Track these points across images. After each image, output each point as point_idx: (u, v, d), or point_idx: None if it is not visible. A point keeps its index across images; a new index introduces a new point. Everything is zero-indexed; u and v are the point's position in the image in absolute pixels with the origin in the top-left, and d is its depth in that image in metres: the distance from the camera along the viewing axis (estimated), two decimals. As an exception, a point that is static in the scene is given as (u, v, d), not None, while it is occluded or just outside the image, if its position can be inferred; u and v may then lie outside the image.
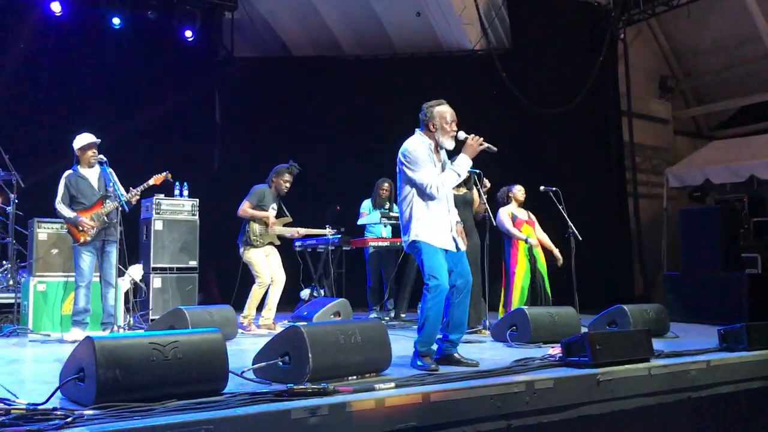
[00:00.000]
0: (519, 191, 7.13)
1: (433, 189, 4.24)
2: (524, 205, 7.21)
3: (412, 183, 4.33)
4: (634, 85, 12.14)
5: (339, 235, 7.68)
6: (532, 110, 10.59)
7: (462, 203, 6.49)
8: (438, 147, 4.42)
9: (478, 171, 6.39)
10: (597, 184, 11.07)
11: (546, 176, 7.25)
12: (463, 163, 4.34)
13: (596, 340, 4.08)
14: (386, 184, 8.12)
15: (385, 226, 8.03)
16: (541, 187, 7.00)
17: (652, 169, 13.25)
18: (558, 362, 4.20)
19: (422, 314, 4.27)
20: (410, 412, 3.20)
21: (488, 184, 6.73)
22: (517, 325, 5.56)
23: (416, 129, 4.49)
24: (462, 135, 4.38)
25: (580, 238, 6.76)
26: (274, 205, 6.91)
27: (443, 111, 4.38)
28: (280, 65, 11.98)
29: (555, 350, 4.40)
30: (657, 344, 4.65)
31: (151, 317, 7.23)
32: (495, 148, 4.37)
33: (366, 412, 3.09)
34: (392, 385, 3.40)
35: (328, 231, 7.49)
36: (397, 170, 4.45)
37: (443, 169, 4.40)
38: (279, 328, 6.77)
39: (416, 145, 4.36)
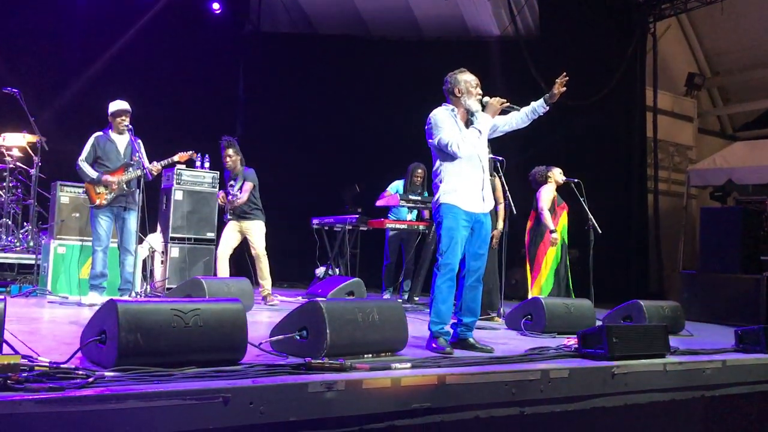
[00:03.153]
0: (559, 173, 6.93)
1: (454, 146, 4.25)
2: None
3: (437, 148, 4.37)
4: (660, 80, 12.02)
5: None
6: (557, 100, 10.49)
7: None
8: (465, 112, 4.43)
9: (501, 158, 6.36)
10: (618, 178, 11.01)
11: (568, 167, 7.20)
12: (484, 121, 4.39)
13: (613, 333, 4.07)
14: (420, 170, 8.03)
15: (411, 211, 8.01)
16: (563, 178, 6.96)
17: (674, 167, 13.14)
18: (573, 353, 4.18)
19: (432, 293, 4.36)
20: (425, 393, 3.21)
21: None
22: (532, 314, 5.54)
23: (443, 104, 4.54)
24: (486, 99, 4.44)
25: (600, 231, 6.73)
26: (232, 182, 7.09)
27: (467, 77, 4.46)
28: (306, 42, 11.95)
29: (571, 341, 4.40)
30: (671, 341, 4.62)
31: (167, 286, 7.30)
32: (517, 107, 4.43)
33: (382, 390, 3.09)
34: (408, 365, 3.40)
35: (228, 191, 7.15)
36: (429, 146, 4.48)
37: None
38: (271, 298, 6.87)
39: (437, 111, 4.43)
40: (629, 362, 4.02)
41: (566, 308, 5.62)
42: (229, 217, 7.05)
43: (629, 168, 11.23)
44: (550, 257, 6.73)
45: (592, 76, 10.83)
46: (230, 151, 7.02)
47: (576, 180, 6.90)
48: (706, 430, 4.34)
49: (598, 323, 5.33)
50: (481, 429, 3.37)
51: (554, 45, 10.92)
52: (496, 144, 6.61)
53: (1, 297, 2.97)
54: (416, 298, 7.94)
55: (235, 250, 7.08)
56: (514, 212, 6.54)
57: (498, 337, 5.28)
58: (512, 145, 4.51)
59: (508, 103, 4.41)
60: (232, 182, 7.07)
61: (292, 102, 11.07)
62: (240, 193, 6.90)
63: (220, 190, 7.17)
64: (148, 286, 6.92)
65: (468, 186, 4.35)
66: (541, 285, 6.70)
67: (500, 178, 6.48)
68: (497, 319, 6.43)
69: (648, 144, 11.75)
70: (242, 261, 7.38)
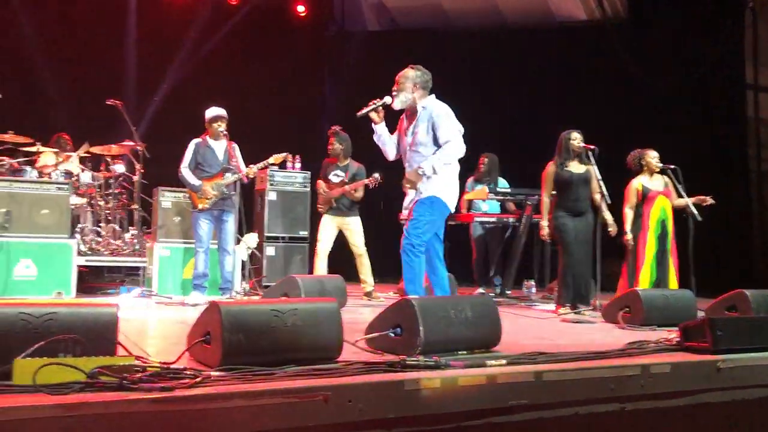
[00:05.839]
0: (653, 159, 6.70)
1: None
2: None
3: None
4: (761, 56, 11.38)
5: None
6: (649, 84, 10.16)
7: (583, 182, 6.34)
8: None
9: (593, 147, 6.23)
10: (717, 161, 10.50)
11: (663, 153, 6.94)
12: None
13: (717, 325, 3.90)
14: (482, 157, 8.09)
15: (485, 201, 7.95)
16: (660, 165, 6.73)
17: (778, 146, 12.43)
18: (675, 346, 4.04)
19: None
20: (522, 390, 3.19)
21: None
22: (630, 306, 5.39)
23: None
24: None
25: (700, 219, 6.49)
26: (338, 172, 7.18)
27: None
28: (389, 39, 11.97)
29: (672, 334, 4.26)
30: (782, 333, 4.41)
31: (264, 284, 7.53)
32: (378, 102, 4.76)
33: (477, 388, 3.10)
34: (503, 361, 3.39)
35: (371, 180, 7.27)
36: None
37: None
38: (375, 295, 6.93)
39: None
40: (736, 356, 3.85)
41: (665, 300, 5.43)
42: (323, 210, 7.15)
43: (728, 149, 10.71)
44: (651, 248, 6.52)
45: (685, 57, 10.40)
46: (332, 140, 7.35)
47: (673, 166, 6.67)
48: (822, 426, 4.12)
49: (700, 314, 5.15)
50: (581, 426, 3.33)
51: (644, 26, 10.54)
52: (589, 134, 6.49)
53: (114, 303, 3.15)
54: (508, 292, 7.87)
55: (333, 245, 7.22)
56: (608, 201, 6.39)
57: (595, 330, 5.18)
58: (606, 133, 4.37)
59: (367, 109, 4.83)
60: (338, 172, 7.21)
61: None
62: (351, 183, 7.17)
63: (317, 179, 7.30)
64: (247, 285, 7.17)
65: None
66: (640, 276, 6.52)
67: (594, 167, 6.33)
68: (585, 313, 6.29)
69: (749, 123, 11.17)
70: (338, 258, 7.48)
